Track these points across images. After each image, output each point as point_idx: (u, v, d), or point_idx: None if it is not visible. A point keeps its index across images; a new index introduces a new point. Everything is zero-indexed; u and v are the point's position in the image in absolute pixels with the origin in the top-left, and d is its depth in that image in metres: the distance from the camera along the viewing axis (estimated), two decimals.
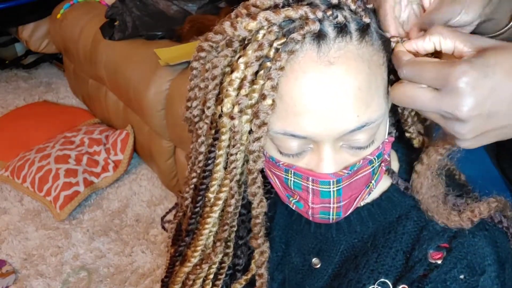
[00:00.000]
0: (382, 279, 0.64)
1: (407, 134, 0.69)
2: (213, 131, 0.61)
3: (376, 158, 0.60)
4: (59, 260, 1.87)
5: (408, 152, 0.71)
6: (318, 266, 0.70)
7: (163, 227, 0.85)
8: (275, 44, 0.52)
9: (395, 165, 0.70)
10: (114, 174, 2.18)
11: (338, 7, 0.53)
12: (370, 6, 0.57)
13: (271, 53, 0.52)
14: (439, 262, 0.61)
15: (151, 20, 2.20)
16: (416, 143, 0.70)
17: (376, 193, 0.69)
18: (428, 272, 0.61)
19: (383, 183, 0.68)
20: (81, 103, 2.82)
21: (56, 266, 1.84)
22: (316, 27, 0.51)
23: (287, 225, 0.74)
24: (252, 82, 0.54)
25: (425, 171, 0.64)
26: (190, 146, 0.67)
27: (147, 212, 2.07)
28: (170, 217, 0.85)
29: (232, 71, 0.55)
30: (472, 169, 0.77)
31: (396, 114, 0.67)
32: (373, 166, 0.61)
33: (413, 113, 0.67)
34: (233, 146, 0.58)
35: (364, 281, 0.65)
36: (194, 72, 0.62)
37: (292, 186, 0.61)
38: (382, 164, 0.63)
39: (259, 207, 0.63)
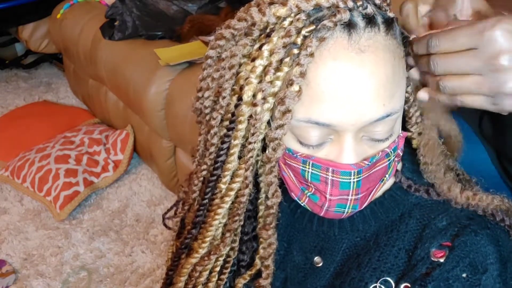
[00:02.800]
0: (384, 278, 0.64)
1: (409, 134, 0.69)
2: (227, 122, 0.61)
3: (392, 152, 0.61)
4: (59, 260, 1.86)
5: (411, 151, 0.71)
6: (320, 264, 0.70)
7: (165, 225, 0.85)
8: (303, 32, 0.53)
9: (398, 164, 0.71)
10: (114, 174, 2.18)
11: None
12: (388, 0, 0.58)
13: (299, 40, 0.53)
14: (442, 260, 0.61)
15: (151, 20, 2.20)
16: (415, 143, 0.70)
17: (379, 191, 0.69)
18: (430, 271, 0.61)
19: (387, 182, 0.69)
20: (81, 103, 2.81)
21: (56, 266, 1.84)
22: (347, 16, 0.53)
23: (289, 223, 0.74)
24: (277, 69, 0.54)
25: (429, 131, 0.67)
26: (198, 138, 0.67)
27: (147, 212, 2.07)
28: (171, 214, 0.85)
29: (253, 59, 0.56)
30: (474, 170, 0.78)
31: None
32: (389, 160, 0.61)
33: (417, 113, 0.67)
34: (252, 134, 0.58)
35: (366, 279, 0.65)
36: (209, 61, 0.62)
37: (309, 178, 0.60)
38: (396, 158, 0.63)
39: (274, 197, 0.63)
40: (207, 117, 0.64)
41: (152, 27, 2.16)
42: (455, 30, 0.55)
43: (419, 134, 0.69)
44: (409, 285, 0.62)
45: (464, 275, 0.60)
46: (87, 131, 2.32)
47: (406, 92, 0.64)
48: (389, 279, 0.64)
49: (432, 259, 0.62)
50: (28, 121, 2.48)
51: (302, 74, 0.53)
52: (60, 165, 2.11)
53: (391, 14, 0.57)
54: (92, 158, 2.19)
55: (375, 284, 0.64)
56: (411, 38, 0.60)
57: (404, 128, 0.69)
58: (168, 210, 0.85)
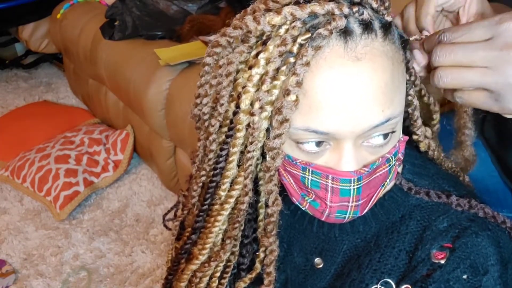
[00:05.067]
0: (385, 279, 0.64)
1: (415, 137, 0.69)
2: (225, 129, 0.61)
3: (393, 157, 0.61)
4: (59, 260, 1.86)
5: (411, 153, 0.71)
6: (321, 266, 0.70)
7: (165, 226, 0.85)
8: (299, 40, 0.52)
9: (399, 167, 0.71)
10: (114, 174, 2.18)
11: (360, 5, 0.54)
12: (387, 3, 0.57)
13: (295, 49, 0.52)
14: (442, 262, 0.61)
15: (151, 20, 2.20)
16: (422, 146, 0.70)
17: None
18: (431, 272, 0.61)
19: None
20: (81, 103, 2.81)
21: (56, 266, 1.84)
22: (343, 23, 0.52)
23: (289, 225, 0.74)
24: (273, 78, 0.54)
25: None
26: (197, 143, 0.67)
27: (147, 212, 2.06)
28: (171, 215, 0.85)
29: (250, 67, 0.55)
30: (474, 169, 0.78)
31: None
32: (390, 165, 0.61)
33: (421, 115, 0.67)
34: (251, 143, 0.58)
35: (367, 281, 0.64)
36: (206, 68, 0.61)
37: (309, 185, 0.60)
38: (396, 163, 0.63)
39: (275, 205, 0.62)
40: (206, 124, 0.64)
41: (152, 27, 2.16)
42: (471, 23, 0.54)
43: (426, 137, 0.69)
44: (409, 286, 0.62)
45: (465, 276, 0.60)
46: (87, 131, 2.32)
47: (409, 95, 0.63)
48: (389, 280, 0.64)
49: (433, 260, 0.62)
50: (28, 121, 2.48)
51: (299, 84, 0.52)
52: (60, 165, 2.11)
53: (389, 18, 0.56)
54: (92, 158, 2.19)
55: (376, 286, 0.64)
56: (411, 39, 0.60)
57: (408, 131, 0.69)
58: (168, 211, 0.85)
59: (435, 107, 0.70)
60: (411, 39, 0.60)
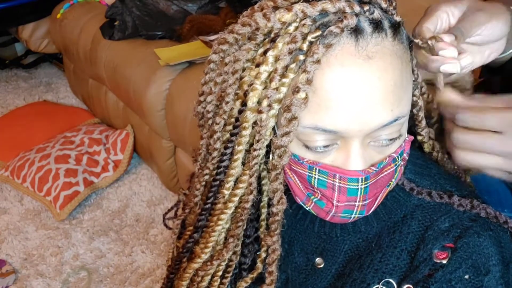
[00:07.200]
0: (386, 279, 0.64)
1: (419, 138, 0.69)
2: (230, 127, 0.60)
3: (399, 156, 0.60)
4: (59, 260, 1.86)
5: (413, 152, 0.71)
6: (322, 266, 0.70)
7: (165, 225, 0.85)
8: (309, 37, 0.52)
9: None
10: (114, 174, 2.18)
11: (370, 4, 0.53)
12: (395, 4, 0.57)
13: (305, 46, 0.52)
14: (444, 262, 0.61)
15: (151, 20, 2.20)
16: (426, 147, 0.70)
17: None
18: (433, 272, 0.61)
19: None
20: (81, 103, 2.81)
21: (56, 266, 1.84)
22: (354, 21, 0.52)
23: (290, 225, 0.73)
24: (282, 76, 0.54)
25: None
26: (200, 142, 0.66)
27: (147, 212, 2.06)
28: (171, 215, 0.84)
29: (257, 65, 0.55)
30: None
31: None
32: (396, 164, 0.61)
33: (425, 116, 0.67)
34: (257, 141, 0.58)
35: (368, 280, 0.64)
36: (212, 65, 0.61)
37: (316, 184, 0.60)
38: (402, 163, 0.63)
39: (280, 204, 0.62)
40: (210, 122, 0.63)
41: (152, 27, 2.16)
42: (484, 112, 0.57)
43: (430, 138, 0.69)
44: (411, 286, 0.62)
45: (466, 276, 0.60)
46: (87, 131, 2.32)
47: (414, 95, 0.63)
48: (391, 280, 0.63)
49: (435, 260, 0.62)
50: (28, 121, 2.48)
51: (309, 81, 0.52)
52: (60, 165, 2.11)
53: (398, 18, 0.56)
54: (92, 158, 2.19)
55: (377, 286, 0.64)
56: (417, 41, 0.60)
57: (411, 132, 0.69)
58: (169, 211, 0.85)
59: (434, 105, 0.71)
60: (416, 41, 0.60)
